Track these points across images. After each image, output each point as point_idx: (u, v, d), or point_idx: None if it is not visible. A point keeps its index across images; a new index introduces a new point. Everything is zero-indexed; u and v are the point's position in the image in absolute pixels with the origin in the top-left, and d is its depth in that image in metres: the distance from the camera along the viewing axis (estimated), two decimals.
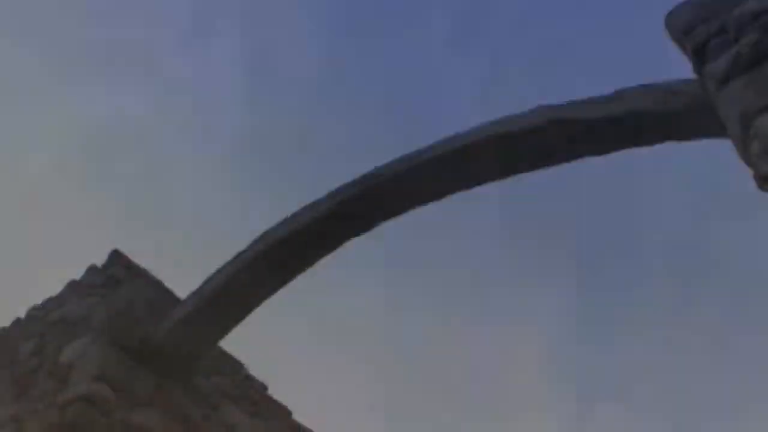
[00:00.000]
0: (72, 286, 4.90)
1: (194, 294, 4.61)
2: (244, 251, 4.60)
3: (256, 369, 5.54)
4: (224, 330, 4.80)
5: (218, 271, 4.58)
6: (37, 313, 5.04)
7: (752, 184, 2.82)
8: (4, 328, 5.26)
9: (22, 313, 5.26)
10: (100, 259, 4.74)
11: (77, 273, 4.86)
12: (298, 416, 6.07)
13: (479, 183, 4.24)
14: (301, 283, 4.80)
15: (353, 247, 4.62)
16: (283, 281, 4.74)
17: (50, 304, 4.99)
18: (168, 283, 4.94)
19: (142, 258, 4.83)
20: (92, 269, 4.80)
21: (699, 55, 3.01)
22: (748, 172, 2.85)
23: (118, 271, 4.57)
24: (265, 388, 5.63)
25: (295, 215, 4.52)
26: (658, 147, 3.67)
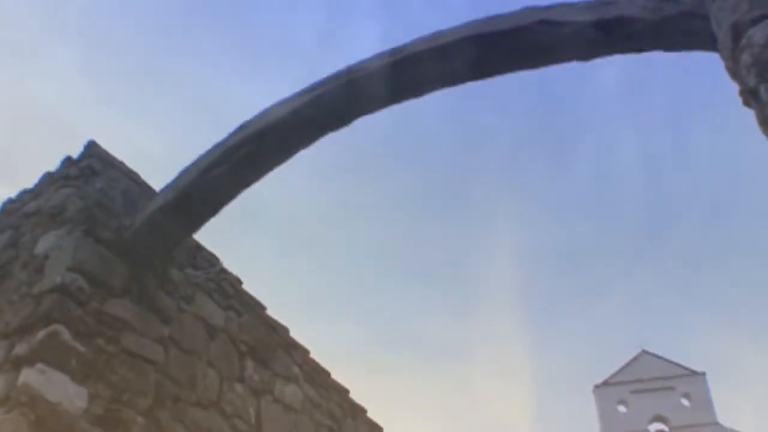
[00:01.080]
0: (47, 178, 4.90)
1: (170, 186, 4.67)
2: (220, 143, 4.63)
3: (229, 264, 5.71)
4: (199, 222, 4.89)
5: (194, 164, 4.63)
6: (12, 207, 5.06)
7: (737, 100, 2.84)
8: None
9: None
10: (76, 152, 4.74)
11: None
12: (272, 311, 6.33)
13: (459, 82, 4.27)
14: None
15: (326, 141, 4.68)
16: (260, 174, 4.80)
17: (25, 196, 5.00)
18: (145, 177, 4.99)
19: (118, 150, 4.84)
20: (68, 161, 4.79)
21: None
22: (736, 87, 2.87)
23: (94, 163, 4.58)
24: (239, 282, 5.82)
25: (272, 108, 4.53)
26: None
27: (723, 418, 19.20)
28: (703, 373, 19.62)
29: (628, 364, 19.99)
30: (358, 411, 7.84)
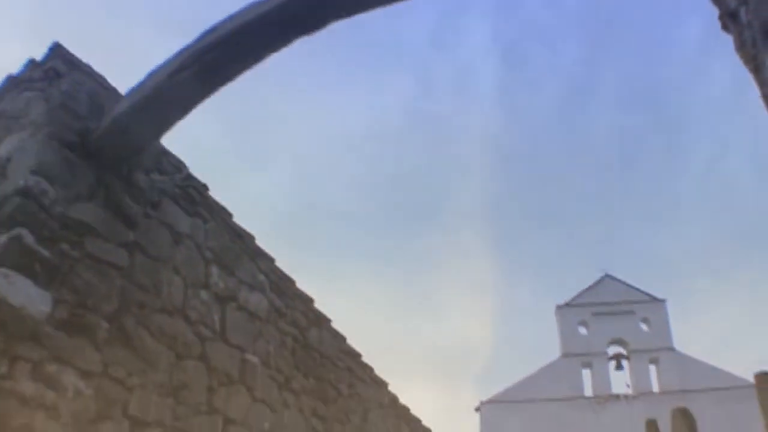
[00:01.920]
0: (10, 80, 4.76)
1: (137, 88, 4.60)
2: (188, 46, 4.55)
3: (196, 171, 5.71)
4: (166, 126, 4.86)
5: (162, 67, 4.56)
6: None
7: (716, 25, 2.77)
8: None
9: None
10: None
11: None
12: (238, 219, 6.39)
13: None
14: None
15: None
16: (228, 78, 4.75)
17: None
18: (112, 81, 4.88)
19: (84, 53, 4.70)
20: (31, 63, 4.65)
21: None
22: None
23: (59, 65, 4.45)
24: (206, 188, 5.84)
25: (241, 11, 4.44)
26: None
27: (679, 344, 20.24)
28: (663, 300, 20.50)
29: (590, 288, 20.73)
30: (322, 320, 8.10)
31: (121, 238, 4.64)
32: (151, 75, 4.57)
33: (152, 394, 4.71)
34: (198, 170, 5.69)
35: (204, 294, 5.68)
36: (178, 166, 5.50)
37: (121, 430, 3.90)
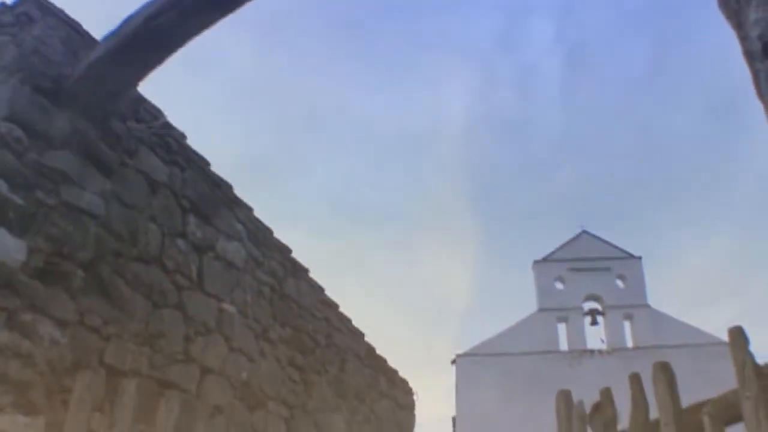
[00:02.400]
0: None
1: (113, 33, 4.52)
2: None
3: (174, 120, 5.66)
4: (143, 73, 4.81)
5: (140, 11, 4.47)
6: None
7: None
8: None
9: None
10: None
11: None
12: (216, 168, 6.38)
13: None
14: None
15: None
16: (208, 22, 4.69)
17: None
18: (86, 26, 4.79)
19: None
20: (2, 7, 4.53)
21: None
22: None
23: (31, 10, 4.35)
24: (183, 137, 5.80)
25: None
26: None
27: (654, 301, 20.67)
28: (639, 258, 20.83)
29: (567, 243, 20.99)
30: (300, 270, 8.17)
31: (97, 186, 4.62)
32: (128, 20, 4.49)
33: (128, 343, 4.77)
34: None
35: (181, 243, 5.71)
36: (155, 113, 5.45)
37: (97, 378, 3.95)
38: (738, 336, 2.99)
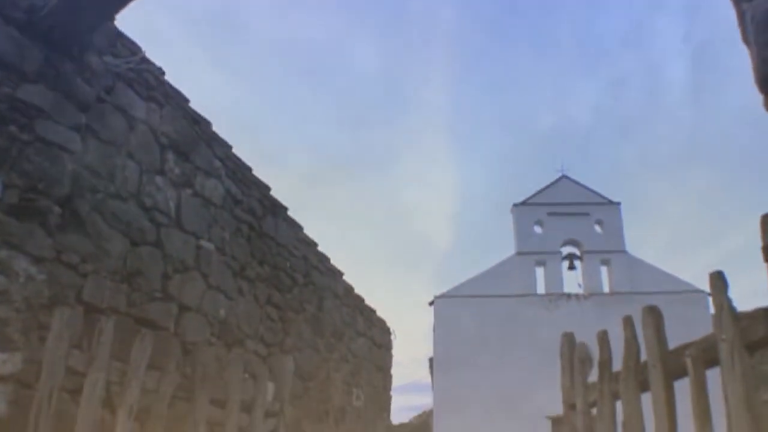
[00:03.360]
0: None
1: None
2: None
3: (152, 55, 5.57)
4: (120, 4, 4.71)
5: None
6: None
7: None
8: None
9: None
10: None
11: None
12: (194, 105, 6.33)
13: None
14: None
15: None
16: None
17: None
18: None
19: None
20: None
21: None
22: None
23: None
24: (162, 72, 5.72)
25: None
26: None
27: (631, 247, 21.01)
28: (618, 203, 21.04)
29: (547, 187, 21.09)
30: (279, 209, 8.22)
31: (73, 121, 4.57)
32: None
33: (106, 281, 4.81)
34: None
35: (159, 180, 5.71)
36: (133, 49, 5.35)
37: (75, 315, 4.01)
38: (717, 280, 3.09)
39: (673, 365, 3.39)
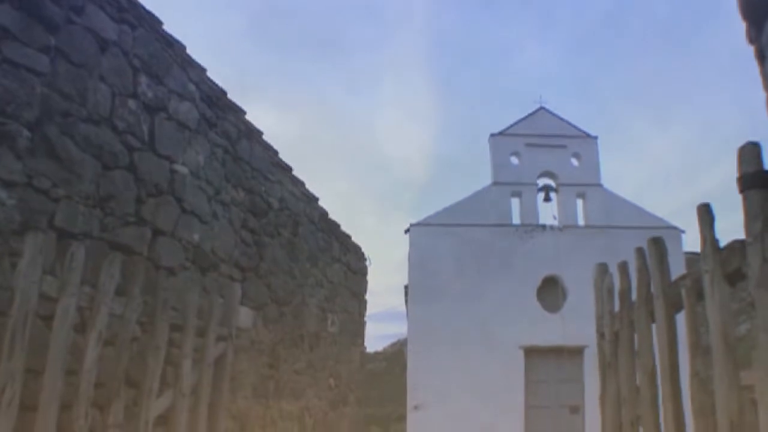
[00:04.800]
0: None
1: None
2: None
3: None
4: None
5: None
6: None
7: None
8: None
9: None
10: None
11: None
12: (168, 27, 6.22)
13: None
14: None
15: None
16: None
17: None
18: None
19: None
20: None
21: None
22: None
23: None
24: None
25: None
26: None
27: (608, 182, 21.15)
28: (596, 137, 21.08)
29: (525, 118, 20.97)
30: (253, 133, 8.21)
31: (42, 42, 4.47)
32: None
33: (79, 205, 4.82)
34: None
35: (132, 103, 5.66)
36: None
37: (48, 240, 4.05)
38: (705, 213, 3.18)
39: (673, 297, 3.52)
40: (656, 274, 3.69)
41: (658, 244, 3.76)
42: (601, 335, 4.68)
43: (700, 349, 3.24)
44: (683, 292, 3.38)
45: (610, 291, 4.57)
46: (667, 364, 3.49)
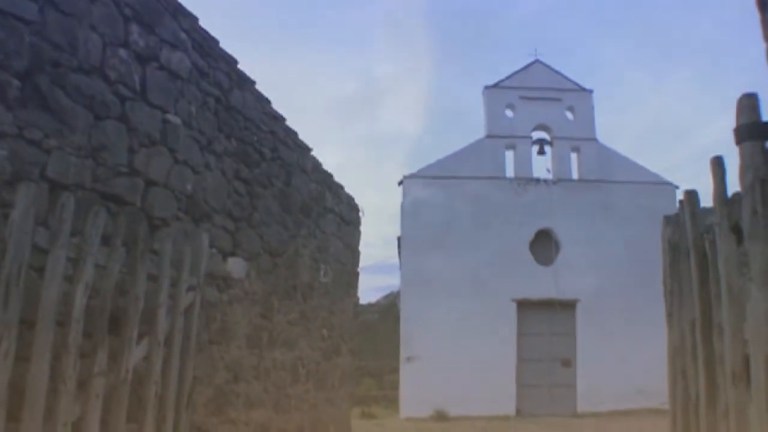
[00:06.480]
0: None
1: None
2: None
3: None
4: None
5: None
6: None
7: None
8: None
9: None
10: None
11: None
12: None
13: None
14: None
15: None
16: None
17: None
18: None
19: None
20: None
21: None
22: None
23: None
24: None
25: None
26: None
27: (603, 137, 21.16)
28: (591, 91, 20.89)
29: (519, 71, 20.73)
30: (246, 83, 8.15)
31: None
32: None
33: (71, 156, 4.82)
34: None
35: (123, 53, 5.61)
36: None
37: (40, 191, 4.07)
38: (716, 166, 3.21)
39: (703, 248, 3.55)
40: (689, 226, 3.71)
41: (691, 196, 3.76)
42: (664, 287, 4.71)
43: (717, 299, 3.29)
44: (707, 244, 3.42)
45: (671, 244, 4.56)
46: (699, 316, 3.54)
